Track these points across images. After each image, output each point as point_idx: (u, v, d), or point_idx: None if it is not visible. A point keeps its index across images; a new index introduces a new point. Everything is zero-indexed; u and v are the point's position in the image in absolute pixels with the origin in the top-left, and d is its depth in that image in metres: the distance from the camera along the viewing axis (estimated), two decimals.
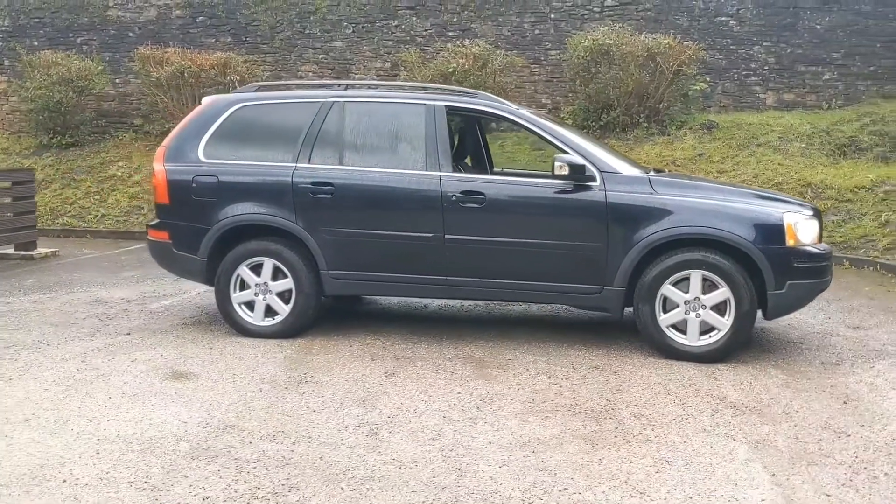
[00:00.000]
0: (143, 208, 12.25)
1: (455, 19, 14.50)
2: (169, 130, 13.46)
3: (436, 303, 7.26)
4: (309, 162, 5.90)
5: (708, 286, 5.35)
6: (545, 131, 5.82)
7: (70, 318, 6.59)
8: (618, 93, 12.86)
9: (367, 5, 14.67)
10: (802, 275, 5.31)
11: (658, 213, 5.39)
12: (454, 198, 5.63)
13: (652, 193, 5.47)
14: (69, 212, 12.59)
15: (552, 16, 14.34)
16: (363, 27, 14.72)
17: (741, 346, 5.51)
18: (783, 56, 13.94)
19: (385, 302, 7.42)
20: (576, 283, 5.57)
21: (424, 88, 6.65)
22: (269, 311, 5.97)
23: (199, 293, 7.60)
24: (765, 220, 5.35)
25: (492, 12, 14.42)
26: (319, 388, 4.83)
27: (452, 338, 6.00)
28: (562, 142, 5.70)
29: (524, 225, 5.62)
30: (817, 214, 5.61)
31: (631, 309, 5.59)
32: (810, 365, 5.40)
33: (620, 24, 13.49)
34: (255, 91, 6.40)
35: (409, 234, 5.72)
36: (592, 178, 5.50)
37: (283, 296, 5.93)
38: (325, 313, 6.29)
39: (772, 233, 5.30)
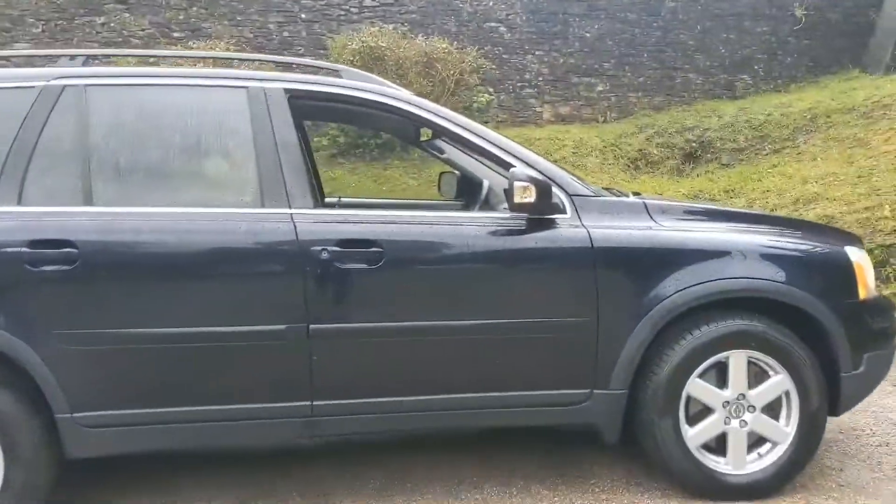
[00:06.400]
0: None
1: (181, 17, 11.54)
2: None
3: None
4: (20, 203, 2.99)
5: (755, 374, 3.30)
6: (473, 132, 3.38)
7: None
8: None
9: None
10: (880, 342, 3.43)
11: (670, 260, 3.24)
12: (325, 254, 3.03)
13: (652, 228, 3.30)
14: None
15: (303, 16, 11.94)
16: (56, 25, 11.24)
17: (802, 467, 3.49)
18: (556, 66, 12.85)
19: None
20: (544, 390, 3.23)
21: (240, 61, 3.92)
22: None
23: None
24: (830, 261, 3.38)
25: (228, 10, 11.69)
26: None
27: (311, 494, 3.39)
28: (502, 148, 3.35)
29: (451, 295, 3.17)
30: (862, 245, 3.79)
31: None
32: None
33: (383, 27, 11.45)
34: None
35: (240, 328, 3.01)
36: (560, 209, 3.23)
37: None
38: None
39: (841, 280, 3.35)
